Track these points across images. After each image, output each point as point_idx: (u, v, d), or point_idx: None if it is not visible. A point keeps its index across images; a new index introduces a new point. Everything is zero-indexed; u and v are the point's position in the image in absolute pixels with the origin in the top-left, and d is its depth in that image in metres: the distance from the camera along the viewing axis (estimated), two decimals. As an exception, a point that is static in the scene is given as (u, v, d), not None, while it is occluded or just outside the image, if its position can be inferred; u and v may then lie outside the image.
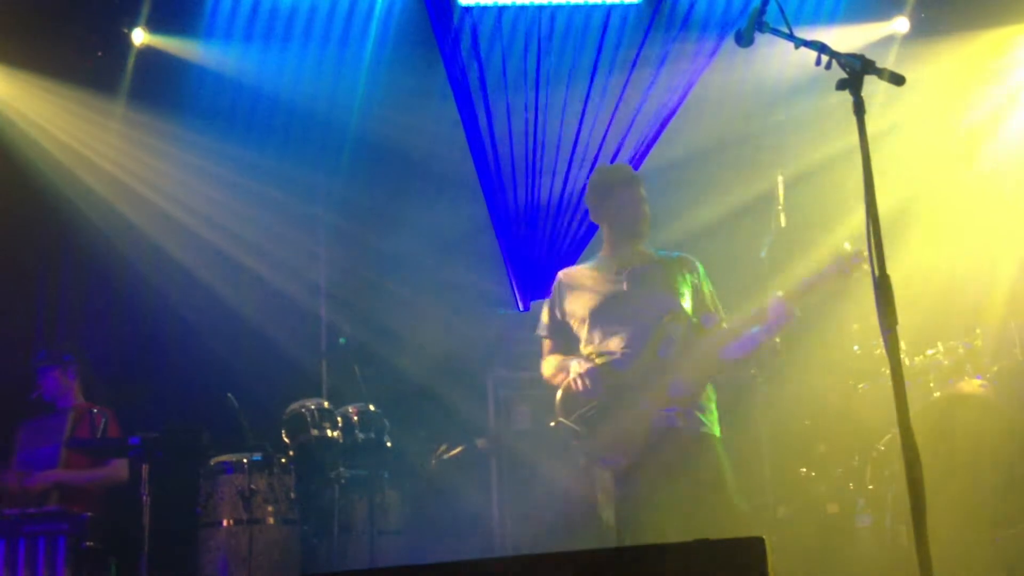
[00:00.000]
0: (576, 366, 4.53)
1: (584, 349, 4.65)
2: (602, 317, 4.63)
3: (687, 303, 4.59)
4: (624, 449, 4.40)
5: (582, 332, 4.68)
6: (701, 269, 4.77)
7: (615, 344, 4.56)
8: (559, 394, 4.59)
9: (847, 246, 4.33)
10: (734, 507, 4.38)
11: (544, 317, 4.86)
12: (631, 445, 4.38)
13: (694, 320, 4.56)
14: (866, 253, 4.03)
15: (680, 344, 4.45)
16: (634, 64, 7.34)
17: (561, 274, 4.88)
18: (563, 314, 4.77)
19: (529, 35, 7.42)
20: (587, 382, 4.46)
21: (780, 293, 4.36)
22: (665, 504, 4.31)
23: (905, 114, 6.66)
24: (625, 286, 4.66)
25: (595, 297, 4.68)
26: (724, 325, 4.56)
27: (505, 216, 7.60)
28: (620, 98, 7.38)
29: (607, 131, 7.44)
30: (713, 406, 4.55)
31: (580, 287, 4.76)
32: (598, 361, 4.55)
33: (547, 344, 4.83)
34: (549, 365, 4.77)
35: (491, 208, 7.54)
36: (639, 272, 4.68)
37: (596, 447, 4.48)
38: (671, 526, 4.26)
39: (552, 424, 4.59)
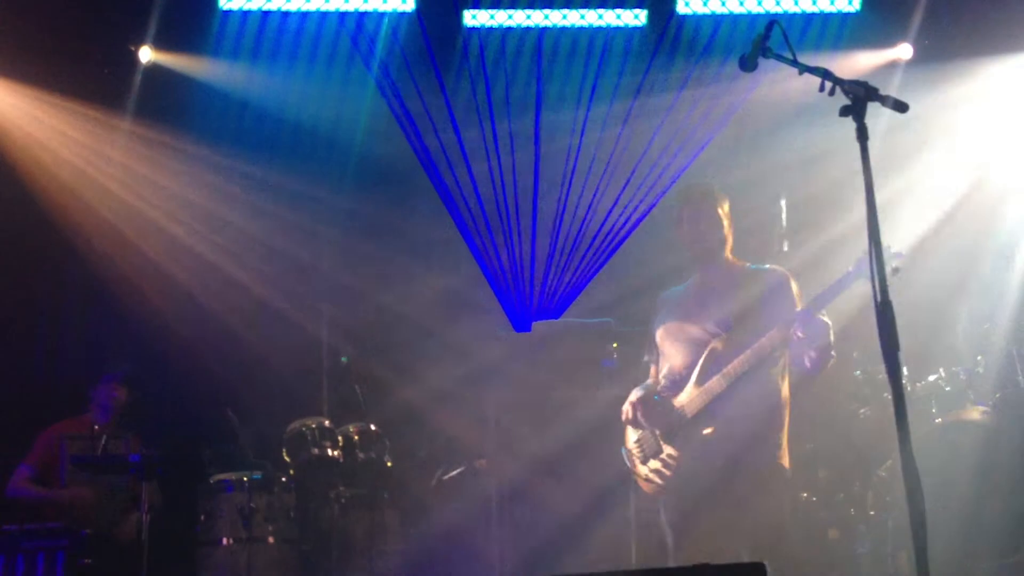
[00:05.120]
0: (633, 394, 4.45)
1: (660, 375, 4.49)
2: (668, 340, 4.46)
3: (748, 323, 4.23)
4: (661, 478, 4.30)
5: (658, 356, 4.55)
6: (791, 284, 4.35)
7: (669, 370, 4.42)
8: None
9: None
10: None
11: (648, 341, 4.66)
12: (668, 475, 4.27)
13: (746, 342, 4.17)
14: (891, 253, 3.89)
15: (723, 370, 4.20)
16: (639, 90, 7.37)
17: (663, 294, 4.68)
18: (654, 337, 4.57)
19: (533, 57, 7.45)
20: (630, 414, 4.40)
21: (800, 308, 4.16)
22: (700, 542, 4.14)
23: (910, 141, 6.68)
24: (690, 307, 4.45)
25: (667, 319, 4.51)
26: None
27: (506, 239, 7.61)
28: (623, 121, 7.42)
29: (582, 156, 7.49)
30: (775, 436, 4.29)
31: (664, 308, 4.59)
32: (660, 387, 4.40)
33: (651, 370, 4.60)
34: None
35: (472, 237, 7.55)
36: (707, 293, 4.44)
37: (641, 474, 4.39)
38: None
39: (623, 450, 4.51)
